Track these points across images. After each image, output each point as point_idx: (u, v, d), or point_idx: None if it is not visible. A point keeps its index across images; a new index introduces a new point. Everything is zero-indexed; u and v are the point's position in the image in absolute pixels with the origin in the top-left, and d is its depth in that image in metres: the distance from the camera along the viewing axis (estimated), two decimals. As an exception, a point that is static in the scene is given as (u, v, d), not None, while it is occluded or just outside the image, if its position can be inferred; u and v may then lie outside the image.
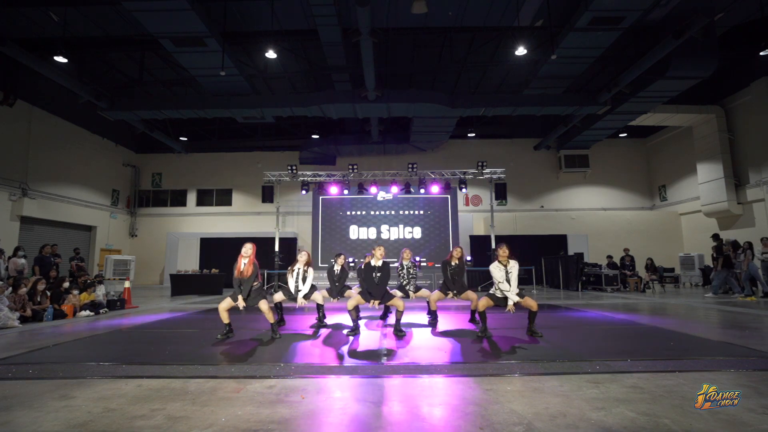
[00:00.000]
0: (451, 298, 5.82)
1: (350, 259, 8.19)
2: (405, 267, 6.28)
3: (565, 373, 3.30)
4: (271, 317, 5.12)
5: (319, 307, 6.13)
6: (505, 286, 4.84)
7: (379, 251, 5.49)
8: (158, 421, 2.40)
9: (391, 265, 5.48)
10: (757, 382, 2.99)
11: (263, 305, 5.00)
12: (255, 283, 5.09)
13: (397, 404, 2.68)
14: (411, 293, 6.20)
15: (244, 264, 5.04)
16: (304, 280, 5.60)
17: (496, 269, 4.94)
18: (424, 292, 6.36)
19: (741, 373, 3.26)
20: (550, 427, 2.27)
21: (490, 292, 5.06)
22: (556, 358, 3.75)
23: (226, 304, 4.99)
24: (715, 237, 10.93)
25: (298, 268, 5.61)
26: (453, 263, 5.84)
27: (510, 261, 4.93)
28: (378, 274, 5.30)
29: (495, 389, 2.92)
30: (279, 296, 5.80)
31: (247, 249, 5.10)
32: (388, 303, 5.35)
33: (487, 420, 2.37)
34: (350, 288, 6.60)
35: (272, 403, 2.67)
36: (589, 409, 2.53)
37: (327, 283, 6.54)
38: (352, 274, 7.85)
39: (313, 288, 5.75)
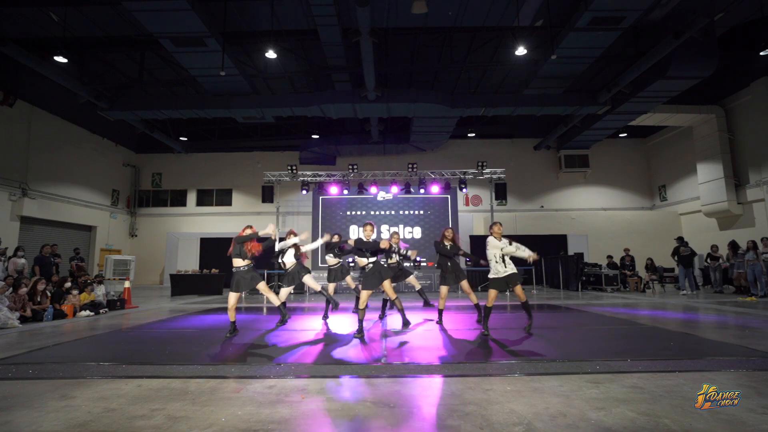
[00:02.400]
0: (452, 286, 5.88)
1: (350, 260, 8.27)
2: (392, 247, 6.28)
3: (565, 373, 3.30)
4: (274, 298, 5.28)
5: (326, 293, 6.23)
6: (502, 264, 4.95)
7: (368, 229, 5.28)
8: (158, 421, 2.40)
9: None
10: (757, 382, 2.99)
11: (263, 286, 5.16)
12: (247, 265, 5.17)
13: (397, 404, 2.68)
14: (404, 256, 6.28)
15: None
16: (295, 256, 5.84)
17: (493, 242, 5.00)
18: (412, 279, 6.39)
19: (741, 373, 3.26)
20: (550, 427, 2.27)
21: (490, 276, 5.09)
22: (556, 358, 3.75)
23: (233, 300, 5.12)
24: (679, 240, 11.44)
25: (286, 245, 5.84)
26: (446, 243, 5.84)
27: (504, 240, 5.04)
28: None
29: (495, 389, 2.92)
30: (285, 292, 5.87)
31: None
32: (380, 287, 5.25)
33: (487, 420, 2.37)
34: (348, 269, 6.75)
35: (272, 403, 2.67)
36: (589, 409, 2.53)
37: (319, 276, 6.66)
38: (354, 274, 7.94)
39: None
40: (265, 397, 2.81)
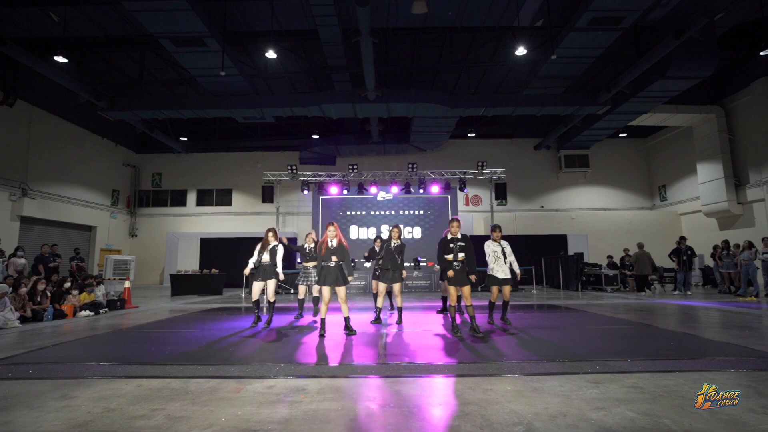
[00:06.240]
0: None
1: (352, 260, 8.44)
2: (393, 245, 6.27)
3: (565, 373, 3.30)
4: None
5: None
6: (500, 263, 5.57)
7: (396, 231, 6.12)
8: (158, 421, 2.40)
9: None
10: (757, 382, 2.99)
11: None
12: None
13: (397, 404, 2.68)
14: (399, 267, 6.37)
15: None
16: (271, 255, 5.99)
17: (490, 245, 5.63)
18: (396, 287, 6.18)
19: (741, 373, 3.26)
20: (550, 427, 2.27)
21: (489, 273, 5.60)
22: (556, 358, 3.75)
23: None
24: (682, 239, 11.44)
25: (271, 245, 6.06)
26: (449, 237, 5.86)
27: (502, 241, 5.67)
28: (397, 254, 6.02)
29: (495, 389, 2.92)
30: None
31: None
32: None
33: (487, 420, 2.37)
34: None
35: (272, 403, 2.67)
36: (589, 409, 2.52)
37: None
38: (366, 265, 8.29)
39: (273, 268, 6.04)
40: (265, 397, 2.81)
